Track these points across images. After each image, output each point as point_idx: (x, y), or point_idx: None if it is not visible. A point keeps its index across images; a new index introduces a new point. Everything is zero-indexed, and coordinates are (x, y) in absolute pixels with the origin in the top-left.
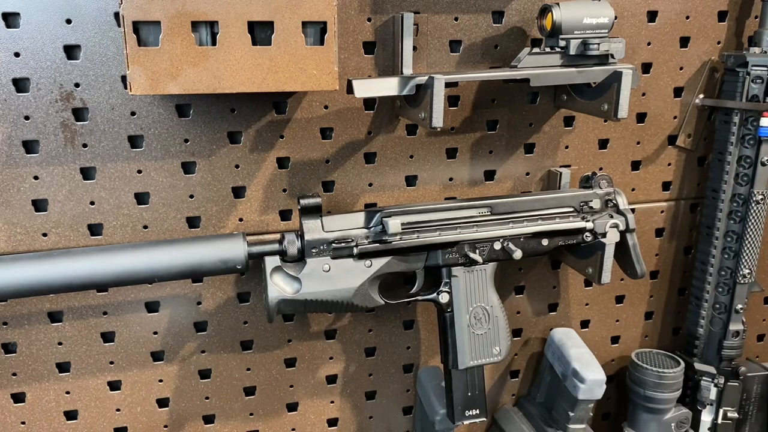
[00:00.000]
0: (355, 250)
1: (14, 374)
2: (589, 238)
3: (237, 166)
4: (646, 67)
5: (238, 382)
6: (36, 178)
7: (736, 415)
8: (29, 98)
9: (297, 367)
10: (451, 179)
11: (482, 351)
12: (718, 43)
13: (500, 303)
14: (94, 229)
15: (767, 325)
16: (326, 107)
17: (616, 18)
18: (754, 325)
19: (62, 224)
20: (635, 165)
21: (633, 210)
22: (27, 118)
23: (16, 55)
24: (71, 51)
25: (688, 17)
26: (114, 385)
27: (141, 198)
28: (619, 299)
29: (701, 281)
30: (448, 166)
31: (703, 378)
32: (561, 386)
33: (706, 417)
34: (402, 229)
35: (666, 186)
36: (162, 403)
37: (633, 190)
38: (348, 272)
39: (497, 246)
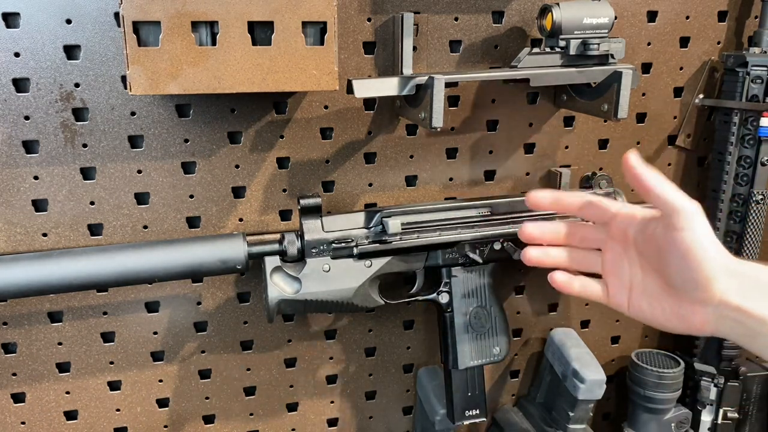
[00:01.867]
0: (355, 250)
1: (14, 374)
2: None
3: (237, 166)
4: (646, 67)
5: (238, 382)
6: (36, 178)
7: (736, 415)
8: (29, 98)
9: (297, 367)
10: (451, 179)
11: (482, 351)
12: (718, 43)
13: (500, 303)
14: (94, 229)
15: None
16: (326, 107)
17: (616, 18)
18: None
19: (62, 224)
20: None
21: None
22: (27, 118)
23: (16, 55)
24: (71, 51)
25: (688, 17)
26: (114, 385)
27: (141, 198)
28: None
29: None
30: (448, 166)
31: (703, 378)
32: (561, 386)
33: (706, 417)
34: (402, 229)
35: None
36: (162, 403)
37: (633, 190)
38: (348, 272)
39: (497, 246)
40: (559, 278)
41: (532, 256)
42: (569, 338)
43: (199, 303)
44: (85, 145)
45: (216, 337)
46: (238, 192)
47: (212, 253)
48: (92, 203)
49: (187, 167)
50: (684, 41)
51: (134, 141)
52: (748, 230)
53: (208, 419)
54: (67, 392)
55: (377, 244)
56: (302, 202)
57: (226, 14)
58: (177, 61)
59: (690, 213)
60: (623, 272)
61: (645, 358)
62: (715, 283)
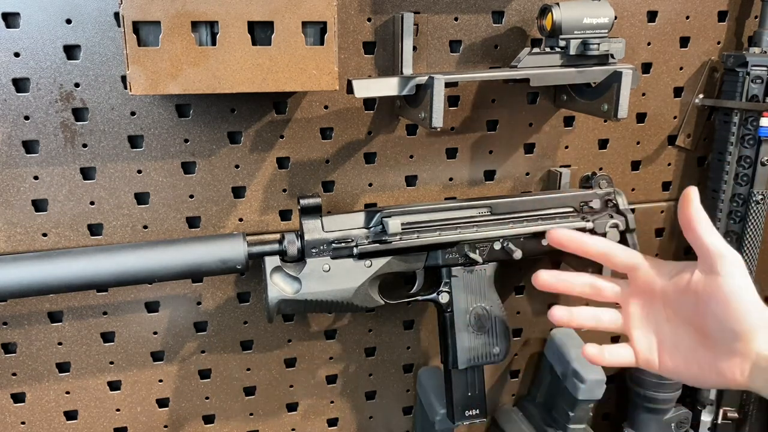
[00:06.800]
0: (355, 250)
1: (14, 374)
2: None
3: (237, 166)
4: (646, 67)
5: (238, 382)
6: (36, 178)
7: (736, 415)
8: (29, 98)
9: (297, 367)
10: (451, 179)
11: (482, 351)
12: (718, 43)
13: (500, 303)
14: (94, 229)
15: None
16: (326, 107)
17: (616, 18)
18: None
19: (62, 224)
20: (635, 165)
21: (633, 210)
22: (27, 118)
23: (16, 55)
24: (71, 51)
25: (688, 17)
26: (114, 385)
27: (141, 198)
28: None
29: None
30: (448, 166)
31: None
32: (561, 386)
33: (706, 417)
34: (402, 229)
35: (666, 186)
36: (162, 403)
37: (633, 190)
38: (348, 272)
39: (497, 246)
40: (590, 351)
41: (556, 314)
42: (569, 338)
43: (199, 303)
44: (85, 145)
45: (216, 337)
46: (238, 192)
47: (212, 253)
48: (92, 203)
49: (187, 167)
50: (684, 41)
51: (134, 141)
52: (748, 230)
53: (208, 419)
54: (67, 392)
55: (377, 244)
56: (302, 202)
57: (226, 14)
58: (177, 61)
59: (732, 259)
60: (649, 328)
61: None
62: (755, 335)
